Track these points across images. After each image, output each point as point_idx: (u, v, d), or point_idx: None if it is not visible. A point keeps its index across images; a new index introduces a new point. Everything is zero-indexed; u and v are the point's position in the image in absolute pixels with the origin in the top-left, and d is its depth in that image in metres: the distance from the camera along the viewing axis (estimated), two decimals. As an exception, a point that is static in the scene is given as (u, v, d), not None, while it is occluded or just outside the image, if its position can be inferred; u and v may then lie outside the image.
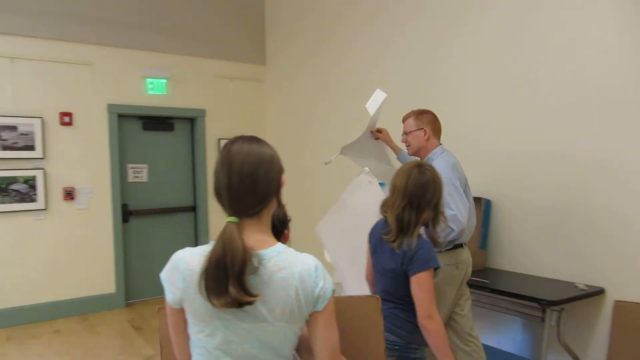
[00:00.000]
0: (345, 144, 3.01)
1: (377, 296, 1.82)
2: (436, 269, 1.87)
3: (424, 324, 1.81)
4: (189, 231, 5.63)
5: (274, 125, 5.87)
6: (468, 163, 2.85)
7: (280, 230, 1.63)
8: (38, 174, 4.58)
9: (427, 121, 2.66)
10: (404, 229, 1.88)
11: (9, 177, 4.45)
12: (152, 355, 3.76)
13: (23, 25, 4.53)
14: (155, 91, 5.25)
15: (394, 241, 1.88)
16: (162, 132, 5.44)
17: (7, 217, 4.46)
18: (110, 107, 4.98)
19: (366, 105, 2.97)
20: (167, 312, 1.25)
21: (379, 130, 3.02)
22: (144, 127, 5.31)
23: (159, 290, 5.12)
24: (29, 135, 4.54)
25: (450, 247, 2.49)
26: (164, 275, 1.22)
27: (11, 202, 4.45)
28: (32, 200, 4.56)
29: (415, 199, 1.88)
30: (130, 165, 5.22)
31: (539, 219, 3.12)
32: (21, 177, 4.51)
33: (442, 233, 2.17)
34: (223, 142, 5.60)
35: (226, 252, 1.10)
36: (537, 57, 3.11)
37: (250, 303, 1.10)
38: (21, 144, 4.51)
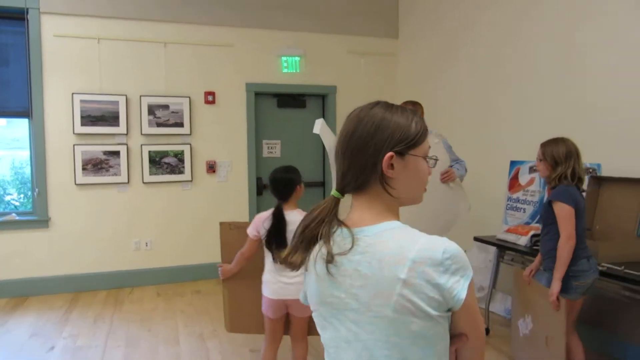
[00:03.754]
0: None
1: None
2: None
3: None
4: (320, 206, 5.75)
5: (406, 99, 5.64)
6: None
7: None
8: (185, 149, 5.05)
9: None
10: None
11: (162, 151, 4.98)
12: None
13: (175, 12, 4.96)
14: (289, 69, 5.40)
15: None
16: (295, 109, 5.59)
17: (159, 187, 5.02)
18: (248, 86, 5.26)
19: (320, 134, 2.96)
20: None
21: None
22: (279, 104, 5.51)
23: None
24: (178, 113, 5.01)
25: None
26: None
27: (163, 174, 5.00)
28: (180, 172, 5.05)
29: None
30: (265, 141, 5.49)
31: None
32: (172, 151, 5.02)
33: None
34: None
35: None
36: None
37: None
38: (172, 121, 5.00)
